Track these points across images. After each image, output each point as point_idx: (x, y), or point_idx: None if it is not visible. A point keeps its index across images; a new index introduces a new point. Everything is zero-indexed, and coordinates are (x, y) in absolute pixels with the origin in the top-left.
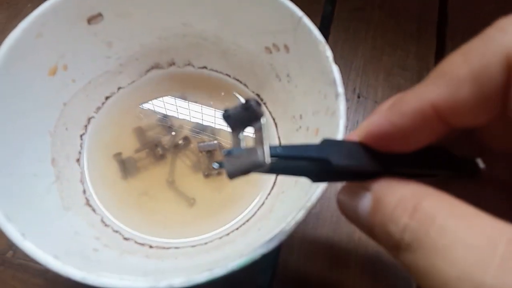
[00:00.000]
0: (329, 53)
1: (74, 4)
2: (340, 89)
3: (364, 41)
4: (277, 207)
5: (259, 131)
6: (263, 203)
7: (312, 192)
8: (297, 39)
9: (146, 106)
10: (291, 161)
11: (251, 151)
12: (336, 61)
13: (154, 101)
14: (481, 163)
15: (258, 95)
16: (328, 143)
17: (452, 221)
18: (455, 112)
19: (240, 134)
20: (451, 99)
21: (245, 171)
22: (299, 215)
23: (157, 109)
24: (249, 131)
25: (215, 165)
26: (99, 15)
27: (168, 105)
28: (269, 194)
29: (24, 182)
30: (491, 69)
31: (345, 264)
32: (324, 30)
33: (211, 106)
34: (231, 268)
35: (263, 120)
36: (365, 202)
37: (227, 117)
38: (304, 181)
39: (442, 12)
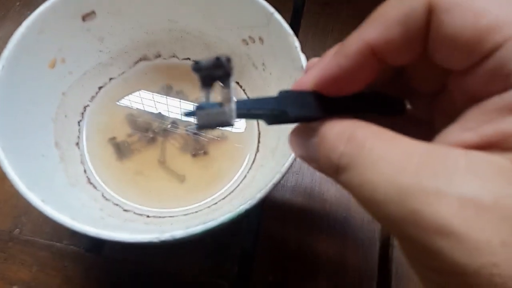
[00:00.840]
0: (297, 44)
1: (71, 3)
2: None
3: (331, 34)
4: (257, 178)
5: (226, 87)
6: (245, 176)
7: (284, 161)
8: (270, 32)
9: (136, 94)
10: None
11: (220, 109)
12: (306, 52)
13: (143, 88)
14: (408, 104)
15: (237, 83)
16: (285, 95)
17: (377, 143)
18: (386, 49)
19: (210, 89)
20: (383, 38)
21: (214, 126)
22: (276, 178)
23: (147, 96)
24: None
25: (184, 114)
26: (93, 12)
27: (157, 91)
28: (250, 168)
29: (36, 161)
30: (416, 12)
31: (318, 228)
32: (295, 24)
33: (195, 94)
34: (221, 220)
35: (231, 78)
36: (313, 140)
37: (197, 69)
38: (279, 154)
39: None
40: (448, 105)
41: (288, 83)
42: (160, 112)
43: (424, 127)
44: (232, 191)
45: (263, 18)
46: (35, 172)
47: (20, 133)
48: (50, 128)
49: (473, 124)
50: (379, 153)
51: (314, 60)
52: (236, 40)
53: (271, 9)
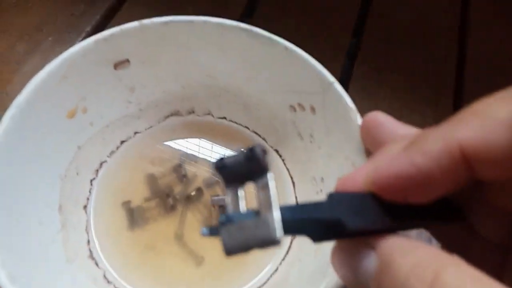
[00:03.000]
0: (360, 121)
1: (103, 49)
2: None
3: (381, 101)
4: (293, 277)
5: (264, 188)
6: (276, 269)
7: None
8: (325, 103)
9: (162, 151)
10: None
11: (258, 220)
12: None
13: (171, 145)
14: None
15: (276, 151)
16: (337, 199)
17: None
18: (485, 159)
19: (239, 191)
20: (484, 141)
21: (249, 248)
22: None
23: (173, 155)
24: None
25: (204, 232)
26: (127, 61)
27: (185, 150)
28: (283, 259)
29: (30, 231)
30: None
31: None
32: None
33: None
34: None
35: (269, 175)
36: (369, 263)
37: (221, 167)
38: (325, 251)
39: (459, 79)
40: None
41: (341, 164)
42: (186, 175)
43: (493, 253)
44: None
45: (318, 85)
46: (27, 247)
47: (19, 195)
48: (55, 188)
49: None
50: None
51: (380, 118)
52: (281, 105)
53: (331, 78)
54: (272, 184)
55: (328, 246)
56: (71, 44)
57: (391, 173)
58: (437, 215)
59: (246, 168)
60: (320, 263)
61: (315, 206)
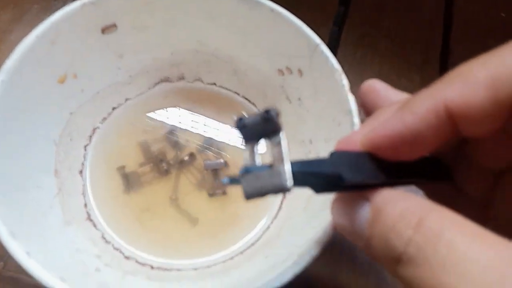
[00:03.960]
0: (345, 82)
1: (90, 13)
2: (356, 119)
3: (369, 67)
4: (284, 233)
5: (277, 145)
6: (268, 227)
7: (324, 224)
8: (312, 65)
9: (153, 117)
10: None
11: (272, 171)
12: None
13: (162, 112)
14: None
15: None
16: (338, 157)
17: (460, 238)
18: (467, 115)
19: (255, 147)
20: (466, 100)
21: (265, 193)
22: (315, 251)
23: (164, 121)
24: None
25: (225, 180)
26: (114, 25)
27: (176, 117)
28: (275, 217)
29: (28, 195)
30: (509, 75)
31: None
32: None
33: (218, 122)
34: None
35: (282, 134)
36: (364, 212)
37: (242, 126)
38: (313, 208)
39: (445, 43)
40: None
41: (329, 125)
42: (178, 141)
43: (473, 207)
44: (252, 244)
45: (305, 48)
46: (26, 209)
47: (17, 160)
48: (51, 153)
49: None
50: (465, 254)
51: (377, 85)
52: (269, 69)
53: (317, 39)
54: (284, 141)
55: (314, 205)
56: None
57: (385, 133)
58: (427, 174)
59: (262, 128)
60: (308, 218)
61: (319, 162)
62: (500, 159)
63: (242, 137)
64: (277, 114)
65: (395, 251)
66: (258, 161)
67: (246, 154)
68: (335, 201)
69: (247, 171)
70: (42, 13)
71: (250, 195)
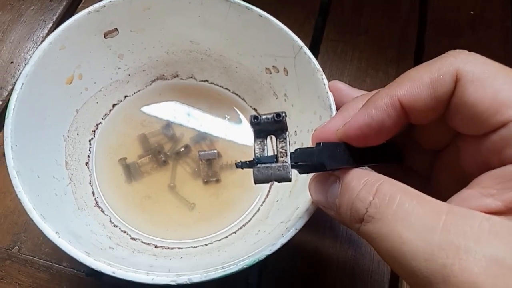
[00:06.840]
0: (325, 81)
1: (95, 20)
2: (335, 113)
3: (349, 62)
4: (272, 214)
5: (283, 142)
6: (258, 209)
7: (306, 203)
8: (296, 65)
9: (150, 113)
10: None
11: (279, 164)
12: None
13: (158, 107)
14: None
15: (255, 109)
16: (321, 148)
17: (406, 199)
18: (414, 107)
19: (264, 142)
20: (413, 96)
21: (270, 180)
22: (299, 223)
23: (161, 116)
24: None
25: (239, 165)
26: (115, 30)
27: (171, 111)
28: (264, 201)
29: (47, 184)
30: (444, 79)
31: (327, 266)
32: (314, 50)
33: (210, 116)
34: (241, 266)
35: (287, 133)
36: (335, 188)
37: (256, 123)
38: (296, 191)
39: (420, 41)
40: (452, 163)
41: (311, 118)
42: (174, 134)
43: (419, 179)
44: (245, 225)
45: (290, 49)
46: (48, 196)
47: (34, 154)
48: (62, 147)
49: (493, 191)
50: (409, 209)
51: (339, 85)
52: (258, 68)
53: (301, 43)
54: (288, 139)
55: (298, 188)
56: (54, 12)
57: (355, 126)
58: (386, 156)
59: (272, 126)
60: (292, 199)
61: (309, 153)
62: (437, 141)
63: (254, 132)
64: (285, 117)
65: (359, 213)
66: (266, 152)
67: (256, 146)
68: (312, 181)
69: (257, 160)
70: (39, 14)
71: (258, 181)
